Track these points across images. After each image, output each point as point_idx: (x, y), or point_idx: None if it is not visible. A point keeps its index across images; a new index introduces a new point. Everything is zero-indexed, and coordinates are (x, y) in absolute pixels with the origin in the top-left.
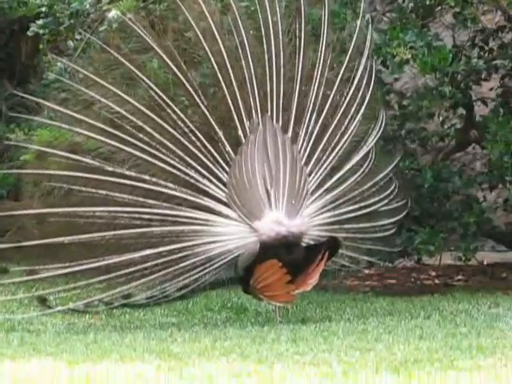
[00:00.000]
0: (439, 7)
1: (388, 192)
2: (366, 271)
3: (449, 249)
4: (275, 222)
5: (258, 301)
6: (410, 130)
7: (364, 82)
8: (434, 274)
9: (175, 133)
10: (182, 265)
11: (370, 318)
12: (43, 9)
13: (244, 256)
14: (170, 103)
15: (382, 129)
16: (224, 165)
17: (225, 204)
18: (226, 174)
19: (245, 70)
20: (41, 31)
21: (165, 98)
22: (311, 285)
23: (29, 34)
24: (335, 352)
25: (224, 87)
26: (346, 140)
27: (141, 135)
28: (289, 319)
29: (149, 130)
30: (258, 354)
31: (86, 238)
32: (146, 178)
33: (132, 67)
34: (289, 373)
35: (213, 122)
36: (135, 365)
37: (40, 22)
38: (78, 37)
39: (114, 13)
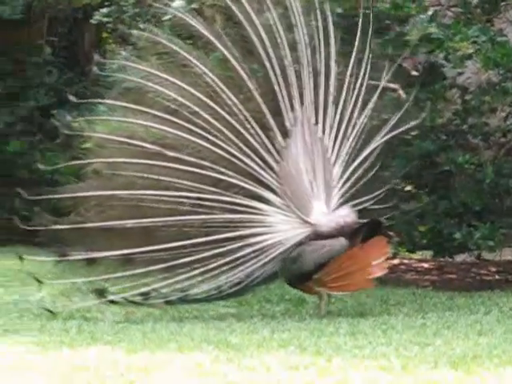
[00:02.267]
0: (504, 2)
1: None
2: (426, 265)
3: (509, 244)
4: (323, 212)
5: (310, 294)
6: (473, 125)
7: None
8: (494, 269)
9: (232, 120)
10: (239, 254)
11: (430, 313)
12: None
13: (323, 251)
14: (226, 90)
15: (395, 131)
16: (275, 154)
17: (277, 194)
18: (276, 164)
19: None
20: (104, 19)
21: (221, 85)
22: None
23: (92, 22)
24: (394, 346)
25: (273, 77)
26: (356, 134)
27: (199, 121)
28: (347, 312)
29: (206, 116)
30: (316, 346)
31: (148, 222)
32: (207, 164)
33: (189, 57)
34: (347, 366)
35: (265, 111)
36: (193, 355)
37: (104, 10)
38: (141, 26)
39: (178, 2)
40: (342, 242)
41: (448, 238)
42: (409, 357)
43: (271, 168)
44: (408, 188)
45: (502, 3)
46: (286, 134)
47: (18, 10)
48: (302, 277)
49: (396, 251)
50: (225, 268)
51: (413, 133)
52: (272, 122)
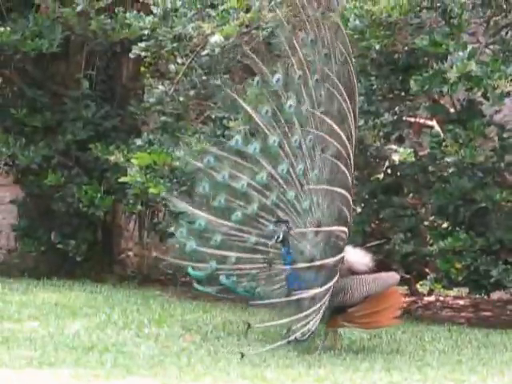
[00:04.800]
0: None
1: None
2: (461, 302)
3: None
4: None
5: (332, 328)
6: (510, 163)
7: None
8: None
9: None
10: None
11: (465, 350)
12: (146, 31)
13: (376, 284)
14: None
15: None
16: None
17: None
18: None
19: None
20: (143, 54)
21: None
22: None
23: (131, 56)
24: (429, 382)
25: None
26: None
27: None
28: (383, 349)
29: None
30: (352, 382)
31: None
32: None
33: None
34: None
35: None
36: None
37: (142, 44)
38: (179, 60)
39: (216, 37)
40: (395, 276)
41: (484, 276)
42: None
43: None
44: (445, 225)
45: None
46: None
47: (57, 43)
48: (339, 309)
49: (432, 288)
50: None
51: (450, 170)
52: None
